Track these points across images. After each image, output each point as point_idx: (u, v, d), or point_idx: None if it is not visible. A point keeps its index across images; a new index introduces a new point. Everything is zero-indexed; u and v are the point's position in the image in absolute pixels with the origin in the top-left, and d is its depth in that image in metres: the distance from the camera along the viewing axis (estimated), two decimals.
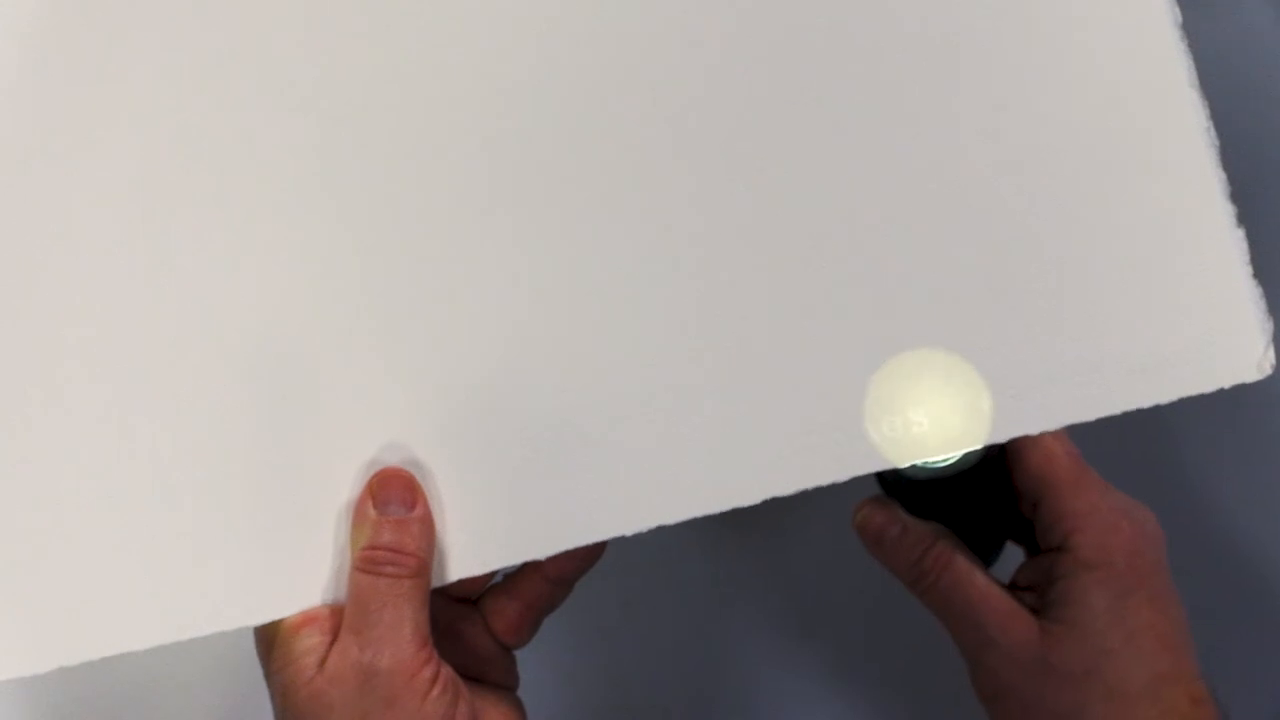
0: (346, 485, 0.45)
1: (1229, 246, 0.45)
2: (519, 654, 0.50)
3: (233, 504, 0.45)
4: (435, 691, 0.44)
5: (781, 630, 0.63)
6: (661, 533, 0.45)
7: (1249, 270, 0.44)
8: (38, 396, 0.45)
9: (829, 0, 0.46)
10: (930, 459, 0.45)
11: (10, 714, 0.62)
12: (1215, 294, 0.44)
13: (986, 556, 0.50)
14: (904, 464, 0.45)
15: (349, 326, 0.46)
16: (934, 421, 0.44)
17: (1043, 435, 0.47)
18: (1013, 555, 0.51)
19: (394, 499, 0.45)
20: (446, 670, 0.44)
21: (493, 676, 0.49)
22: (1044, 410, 0.44)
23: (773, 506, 0.45)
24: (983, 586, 0.47)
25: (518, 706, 0.49)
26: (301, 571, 0.45)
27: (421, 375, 0.45)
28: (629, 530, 0.45)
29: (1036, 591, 0.48)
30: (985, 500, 0.50)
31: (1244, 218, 0.45)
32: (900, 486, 0.49)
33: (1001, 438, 0.45)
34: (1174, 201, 0.45)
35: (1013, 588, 0.48)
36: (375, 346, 0.46)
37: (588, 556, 0.47)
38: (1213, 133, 0.45)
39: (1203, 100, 0.45)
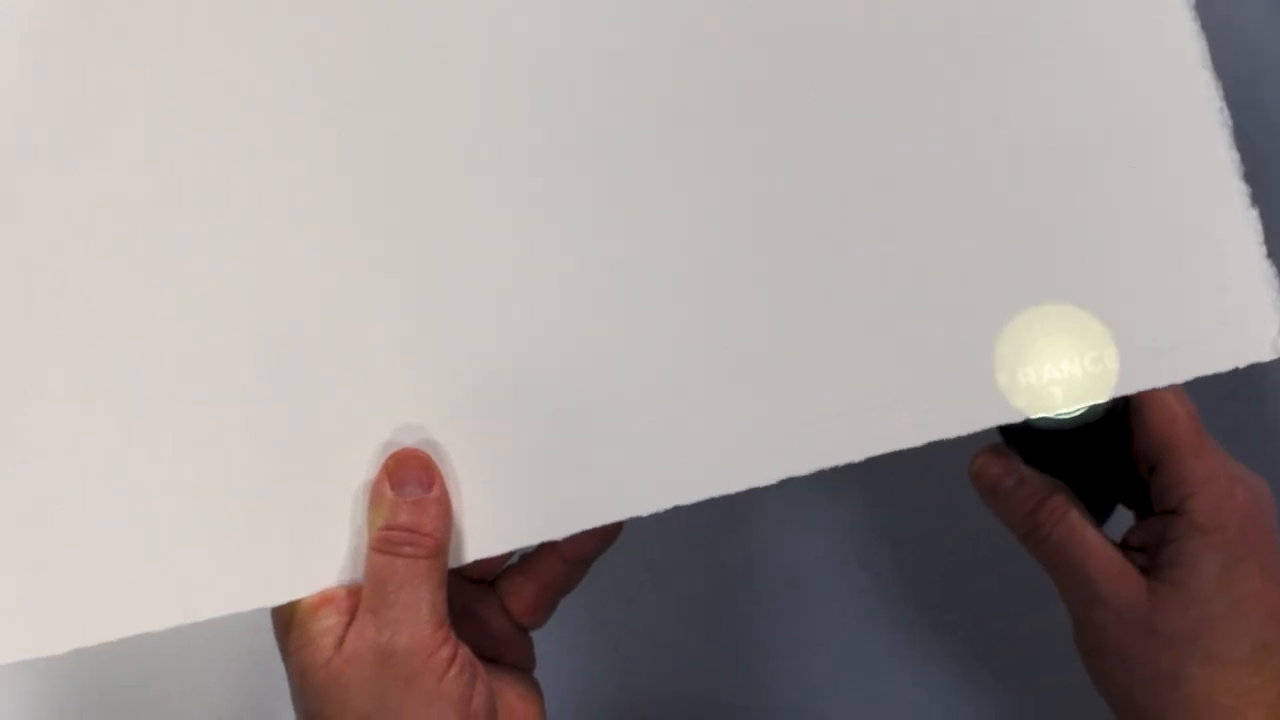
0: (363, 466, 0.45)
1: (1243, 226, 0.45)
2: (535, 634, 0.50)
3: (249, 486, 0.45)
4: (453, 671, 0.44)
5: (800, 614, 0.63)
6: (678, 513, 0.45)
7: (1263, 250, 0.45)
8: (55, 381, 0.45)
9: None
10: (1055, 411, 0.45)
11: (16, 711, 0.62)
12: (1229, 273, 0.45)
13: (1099, 516, 0.50)
14: (1033, 415, 0.45)
15: (364, 308, 0.46)
16: (1064, 372, 0.45)
17: (1167, 396, 0.48)
18: (1122, 521, 0.51)
19: (411, 479, 0.45)
20: (464, 650, 0.44)
21: (509, 657, 0.49)
22: None
23: (790, 489, 0.45)
24: (1095, 543, 0.48)
25: (534, 687, 0.49)
26: (318, 552, 0.45)
27: (438, 356, 0.46)
28: (645, 510, 0.45)
29: (1147, 553, 0.48)
30: (1104, 457, 0.50)
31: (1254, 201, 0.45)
32: (1022, 437, 0.49)
33: (1000, 421, 0.45)
34: (1188, 181, 0.45)
35: (1124, 547, 0.48)
36: (391, 327, 0.46)
37: (604, 537, 0.48)
38: (1226, 113, 0.45)
39: (1216, 81, 0.45)
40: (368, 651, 0.43)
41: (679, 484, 0.45)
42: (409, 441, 0.45)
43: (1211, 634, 0.45)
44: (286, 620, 0.45)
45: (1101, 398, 0.45)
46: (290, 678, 0.45)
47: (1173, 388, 0.46)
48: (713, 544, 0.63)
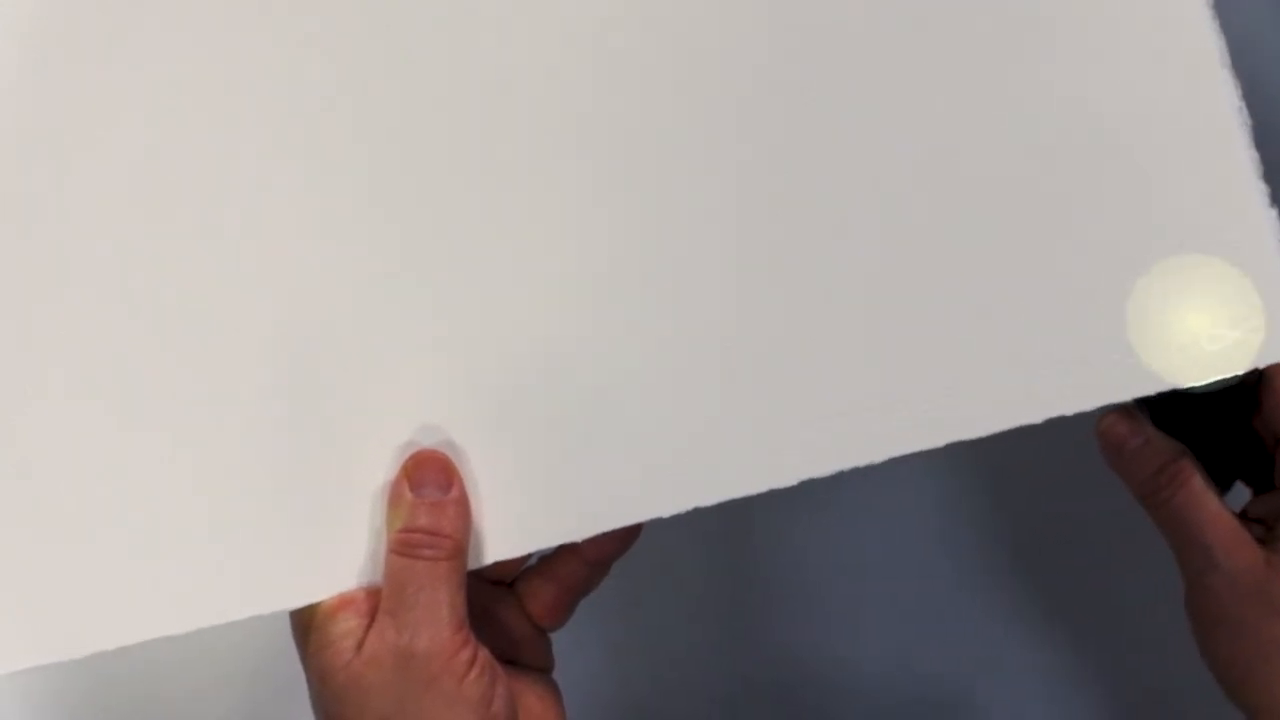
0: (382, 468, 0.45)
1: (1262, 225, 0.45)
2: (554, 636, 0.50)
3: (268, 488, 0.45)
4: (473, 674, 0.43)
5: (815, 616, 0.63)
6: (699, 515, 0.45)
7: None
8: (55, 381, 0.45)
9: None
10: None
11: (18, 711, 0.62)
12: (1248, 272, 0.45)
13: (1220, 488, 0.50)
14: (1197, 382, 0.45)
15: (382, 309, 0.45)
16: (1216, 338, 0.45)
17: None
18: (1238, 498, 0.51)
19: (430, 481, 0.44)
20: (483, 652, 0.44)
21: (528, 658, 0.49)
22: (1082, 388, 0.45)
23: (805, 491, 0.45)
24: (1214, 509, 0.48)
25: (553, 688, 0.49)
26: (337, 554, 0.45)
27: (457, 357, 0.45)
28: (666, 512, 0.45)
29: (1266, 525, 0.48)
30: (1231, 426, 0.50)
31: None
32: (1154, 399, 0.49)
33: (1029, 420, 0.45)
34: (1206, 180, 0.45)
35: (1242, 517, 0.48)
36: (409, 329, 0.45)
37: (624, 539, 0.47)
38: (1245, 112, 0.45)
39: (1235, 80, 0.45)
40: (387, 654, 0.43)
41: (700, 485, 0.45)
42: (428, 443, 0.45)
43: None
44: (306, 623, 0.45)
45: (1243, 367, 0.45)
46: (310, 681, 0.45)
47: None
48: (730, 546, 0.63)
